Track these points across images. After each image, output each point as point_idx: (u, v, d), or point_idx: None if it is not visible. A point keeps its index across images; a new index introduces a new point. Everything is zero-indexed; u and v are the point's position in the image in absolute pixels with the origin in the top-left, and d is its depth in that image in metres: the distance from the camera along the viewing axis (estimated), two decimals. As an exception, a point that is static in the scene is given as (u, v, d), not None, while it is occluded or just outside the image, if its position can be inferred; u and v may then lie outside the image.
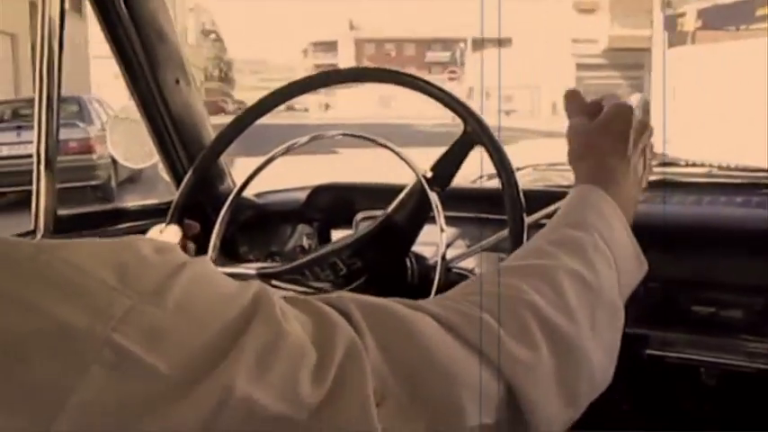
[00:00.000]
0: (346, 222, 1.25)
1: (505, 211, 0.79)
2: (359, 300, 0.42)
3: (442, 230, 0.85)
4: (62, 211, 1.18)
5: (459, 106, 0.83)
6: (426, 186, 0.85)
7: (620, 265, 0.60)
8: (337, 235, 1.18)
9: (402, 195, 0.92)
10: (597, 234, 0.60)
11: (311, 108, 69.69)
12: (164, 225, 0.99)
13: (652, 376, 1.07)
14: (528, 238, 0.74)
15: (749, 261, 1.05)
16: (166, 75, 1.28)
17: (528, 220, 0.78)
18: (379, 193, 1.32)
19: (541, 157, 1.60)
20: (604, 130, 0.69)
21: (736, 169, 1.40)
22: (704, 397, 1.07)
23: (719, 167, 1.42)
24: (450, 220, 0.93)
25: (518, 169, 1.16)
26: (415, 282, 0.93)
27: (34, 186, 1.15)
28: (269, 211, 1.38)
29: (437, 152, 0.92)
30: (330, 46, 76.88)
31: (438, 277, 0.82)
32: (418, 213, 0.90)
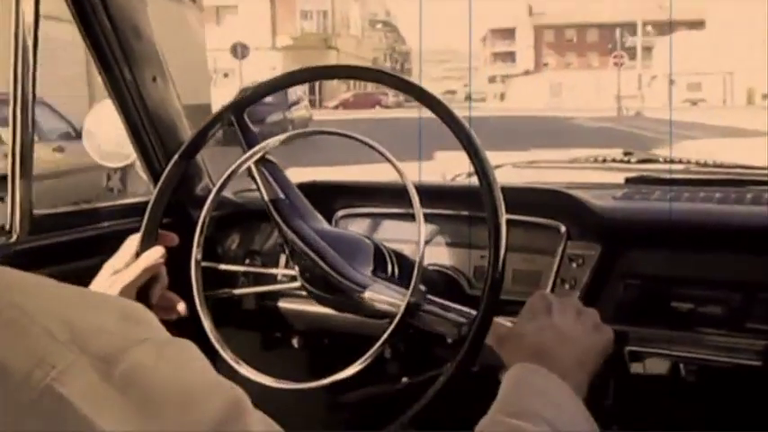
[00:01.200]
0: (326, 221, 1.25)
1: (484, 209, 0.81)
2: None
3: (419, 230, 0.89)
4: (38, 211, 1.22)
5: (436, 103, 0.88)
6: (409, 185, 0.89)
7: None
8: None
9: None
10: (543, 421, 0.63)
11: (488, 98, 69.06)
12: (140, 234, 1.01)
13: (633, 372, 1.13)
14: (507, 235, 0.80)
15: (727, 257, 1.10)
16: (143, 72, 1.31)
17: (506, 216, 0.81)
18: (358, 192, 1.39)
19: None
20: (529, 317, 0.78)
21: (715, 165, 1.47)
22: (684, 393, 1.13)
23: (698, 164, 1.49)
24: (429, 218, 0.95)
25: (497, 167, 1.20)
26: (396, 279, 0.97)
27: (9, 186, 1.20)
28: (248, 209, 1.41)
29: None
30: (508, 33, 76.06)
31: (416, 274, 0.86)
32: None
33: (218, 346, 0.94)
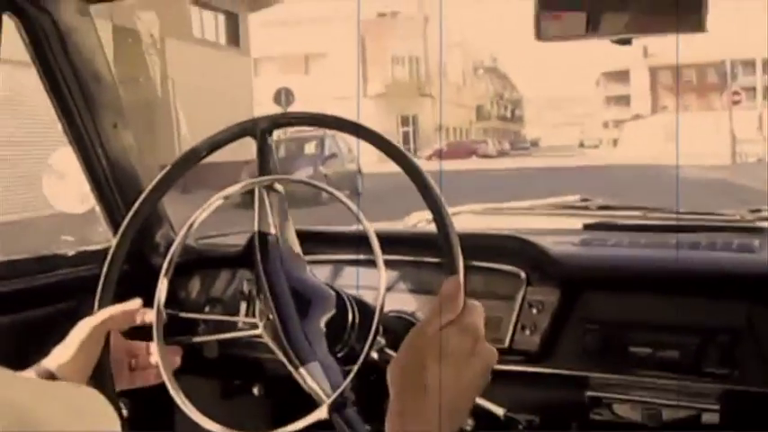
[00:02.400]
0: None
1: (442, 256, 0.83)
2: None
3: (380, 276, 0.94)
4: (-9, 258, 1.23)
5: (391, 148, 0.93)
6: (370, 231, 0.94)
7: None
8: None
9: None
10: None
11: (602, 144, 67.56)
12: (100, 283, 1.07)
13: (592, 418, 1.20)
14: (466, 281, 0.81)
15: (683, 301, 1.18)
16: (104, 119, 1.38)
17: (466, 263, 0.84)
18: (320, 238, 1.46)
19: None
20: (446, 349, 0.75)
21: (670, 211, 1.59)
22: None
23: (654, 209, 1.61)
24: (390, 264, 1.02)
25: (455, 213, 1.27)
26: (356, 326, 1.04)
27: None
28: (209, 256, 1.48)
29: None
30: (622, 75, 74.82)
31: (377, 321, 0.91)
32: None
33: (175, 396, 0.98)
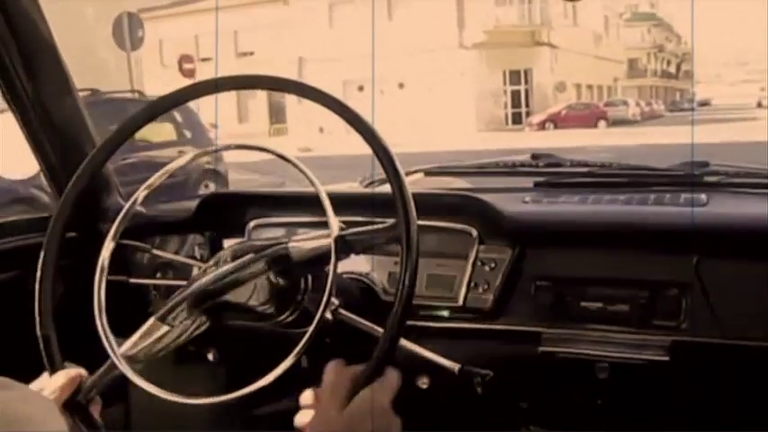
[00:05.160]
0: (239, 231, 1.55)
1: (396, 216, 0.95)
2: None
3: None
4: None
5: (336, 104, 1.00)
6: (321, 192, 1.03)
7: None
8: (229, 243, 1.35)
9: None
10: None
11: None
12: (43, 250, 1.12)
13: (546, 373, 1.36)
14: (419, 240, 0.93)
15: (633, 256, 1.32)
16: (45, 84, 1.51)
17: (418, 222, 0.94)
18: (271, 201, 1.60)
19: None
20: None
21: (619, 168, 1.70)
22: (598, 391, 1.34)
23: (602, 166, 1.72)
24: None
25: (408, 173, 1.66)
26: (309, 288, 1.11)
27: None
28: (158, 221, 1.61)
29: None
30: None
31: (330, 284, 0.99)
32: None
33: (120, 365, 1.02)
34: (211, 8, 32.82)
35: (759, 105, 67.83)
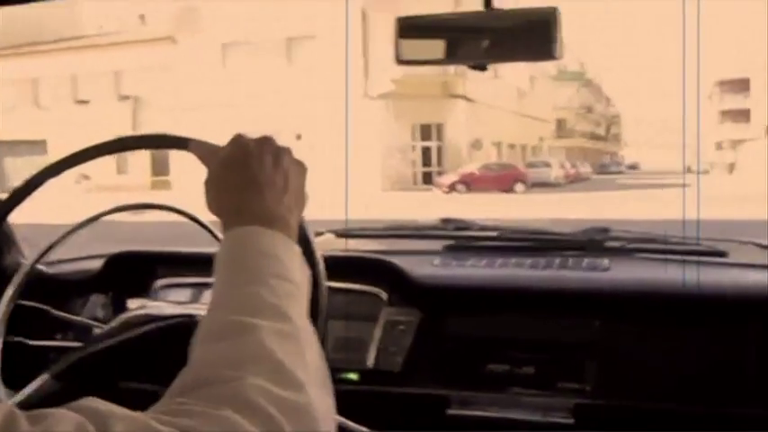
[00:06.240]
0: (145, 291, 1.59)
1: None
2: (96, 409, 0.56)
3: None
4: None
5: None
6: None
7: (301, 287, 0.79)
8: (133, 304, 1.42)
9: None
10: (272, 278, 0.76)
11: (714, 169, 59.60)
12: None
13: None
14: (328, 302, 0.96)
15: (539, 319, 1.42)
16: None
17: (328, 284, 0.98)
18: (179, 261, 1.64)
19: None
20: (227, 167, 0.87)
21: (525, 232, 1.81)
22: None
23: (510, 231, 1.83)
24: None
25: (317, 234, 1.72)
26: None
27: None
28: (60, 281, 1.63)
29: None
30: (741, 85, 64.66)
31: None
32: None
33: None
34: (86, 46, 30.41)
35: (688, 170, 69.67)
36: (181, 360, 1.00)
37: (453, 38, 1.19)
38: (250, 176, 0.85)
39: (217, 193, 0.87)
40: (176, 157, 27.66)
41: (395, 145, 29.68)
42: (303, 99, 28.33)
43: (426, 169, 30.68)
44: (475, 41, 1.17)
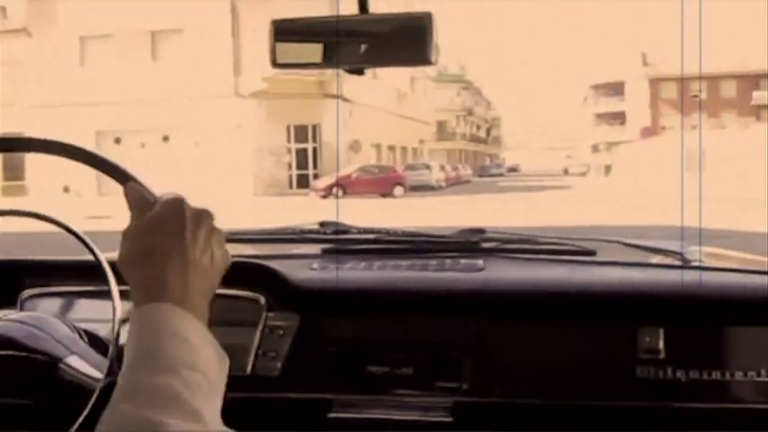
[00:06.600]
0: (9, 301, 1.55)
1: None
2: None
3: (114, 308, 1.14)
4: None
5: (119, 174, 1.00)
6: (103, 261, 1.15)
7: (214, 380, 0.78)
8: None
9: None
10: (184, 368, 0.74)
11: (591, 170, 61.77)
12: None
13: None
14: None
15: (417, 320, 1.48)
16: None
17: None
18: (48, 269, 1.63)
19: None
20: (157, 231, 0.83)
21: (403, 235, 1.91)
22: None
23: (388, 233, 1.95)
24: (125, 294, 1.21)
25: None
26: (88, 359, 1.19)
27: None
28: None
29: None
30: (616, 88, 67.78)
31: (112, 353, 1.06)
32: None
33: None
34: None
35: (566, 172, 72.55)
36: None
37: (330, 42, 1.21)
38: (179, 250, 0.82)
39: (136, 255, 0.83)
40: (33, 159, 26.93)
41: (268, 147, 29.48)
42: (170, 98, 27.80)
43: (302, 172, 30.54)
44: (352, 46, 1.20)
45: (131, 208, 0.87)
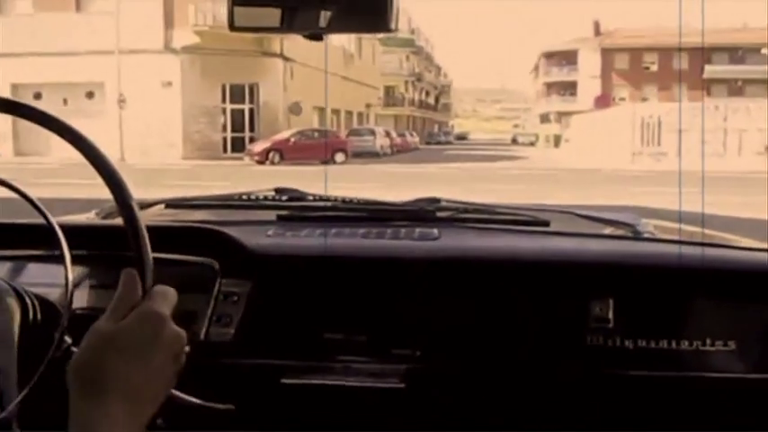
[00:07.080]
0: None
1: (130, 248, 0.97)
2: None
3: (67, 273, 1.14)
4: None
5: (68, 133, 0.98)
6: (55, 225, 1.16)
7: None
8: None
9: None
10: None
11: (540, 141, 62.24)
12: None
13: (289, 405, 1.53)
14: (156, 274, 0.94)
15: (372, 288, 1.58)
16: None
17: (157, 255, 0.97)
18: (3, 233, 1.64)
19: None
20: (123, 351, 0.81)
21: (359, 203, 2.02)
22: (341, 420, 1.51)
23: (344, 201, 2.05)
24: (77, 259, 1.21)
25: (149, 205, 1.92)
26: (39, 325, 1.18)
27: None
28: None
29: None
30: (568, 57, 68.31)
31: (65, 320, 1.06)
32: None
33: None
34: None
35: (514, 141, 73.40)
36: None
37: (289, 6, 1.23)
38: (151, 371, 0.82)
39: (88, 369, 0.80)
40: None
41: (201, 106, 28.89)
42: (96, 51, 27.20)
43: (238, 134, 30.06)
44: (311, 11, 1.23)
45: (117, 297, 0.85)
